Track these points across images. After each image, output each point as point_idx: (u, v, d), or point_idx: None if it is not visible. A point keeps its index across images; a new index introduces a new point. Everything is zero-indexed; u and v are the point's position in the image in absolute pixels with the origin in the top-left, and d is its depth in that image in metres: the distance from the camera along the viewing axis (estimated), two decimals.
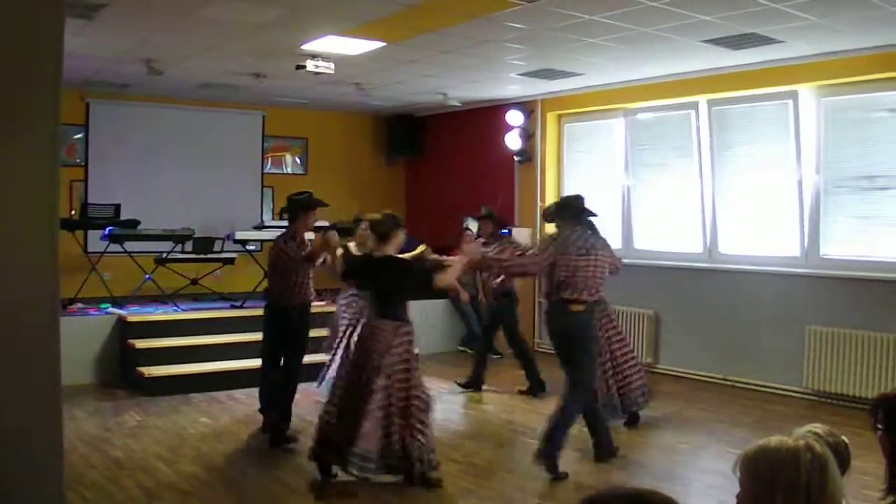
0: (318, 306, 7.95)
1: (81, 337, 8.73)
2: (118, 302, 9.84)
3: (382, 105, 12.37)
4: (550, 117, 11.32)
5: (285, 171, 13.03)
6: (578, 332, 6.11)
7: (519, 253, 7.97)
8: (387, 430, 5.46)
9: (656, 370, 9.61)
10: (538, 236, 10.87)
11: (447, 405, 8.12)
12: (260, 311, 7.13)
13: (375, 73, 9.63)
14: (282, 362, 6.90)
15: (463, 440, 6.93)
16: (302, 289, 6.83)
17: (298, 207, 6.88)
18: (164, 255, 10.28)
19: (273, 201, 12.51)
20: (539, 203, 11.30)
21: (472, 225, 11.72)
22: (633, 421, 7.28)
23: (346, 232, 8.54)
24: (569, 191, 11.22)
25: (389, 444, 5.45)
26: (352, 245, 7.66)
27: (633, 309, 9.77)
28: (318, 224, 7.67)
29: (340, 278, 6.99)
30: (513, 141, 11.34)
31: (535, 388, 8.51)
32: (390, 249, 5.81)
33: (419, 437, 5.55)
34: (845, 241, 8.31)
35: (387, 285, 5.75)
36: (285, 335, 6.87)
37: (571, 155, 11.32)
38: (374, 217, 5.96)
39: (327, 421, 5.63)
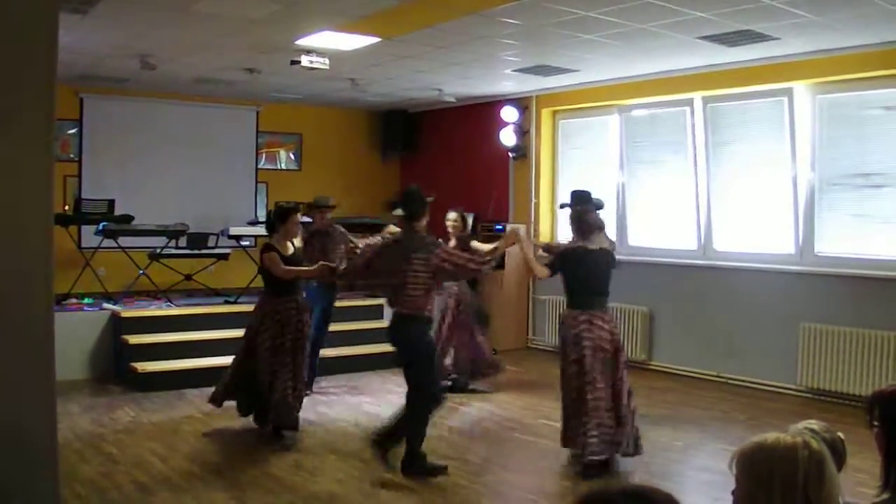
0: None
1: (75, 332, 8.72)
2: (112, 297, 9.82)
3: (377, 101, 12.35)
4: (545, 114, 11.32)
5: (279, 167, 13.01)
6: None
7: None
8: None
9: (650, 367, 9.63)
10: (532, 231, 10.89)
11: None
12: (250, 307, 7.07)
13: (370, 68, 9.61)
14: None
15: (456, 437, 6.94)
16: None
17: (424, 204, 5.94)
18: (158, 250, 10.26)
19: (267, 197, 12.48)
20: (533, 199, 11.32)
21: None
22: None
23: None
24: (563, 187, 11.23)
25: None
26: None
27: (627, 306, 9.76)
28: (303, 220, 7.52)
29: (551, 272, 6.17)
30: (507, 137, 11.34)
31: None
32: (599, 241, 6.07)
33: None
34: (840, 238, 8.32)
35: (607, 275, 6.01)
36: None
37: (566, 151, 11.32)
38: (586, 211, 6.11)
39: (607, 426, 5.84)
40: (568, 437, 5.94)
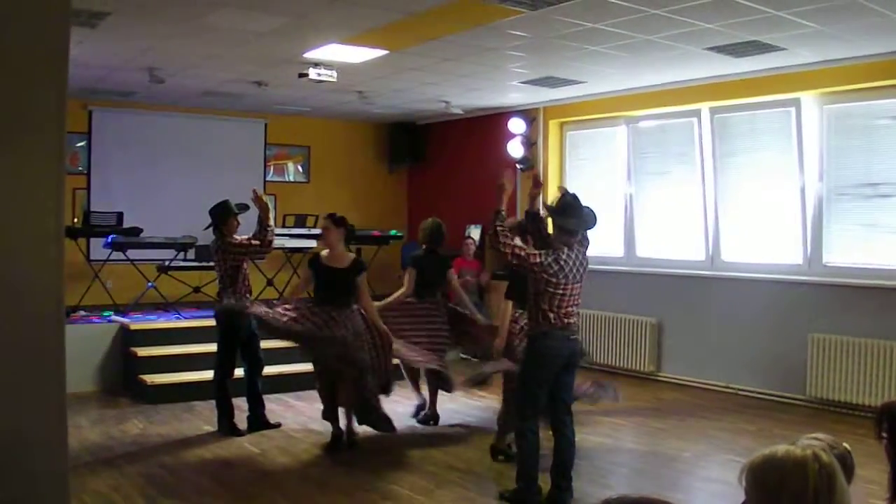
0: None
1: (84, 345, 8.73)
2: (121, 310, 9.84)
3: (385, 113, 12.39)
4: (553, 125, 11.33)
5: (288, 179, 13.05)
6: None
7: None
8: None
9: (659, 378, 9.60)
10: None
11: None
12: None
13: (378, 81, 9.64)
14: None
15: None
16: None
17: None
18: (167, 262, 10.29)
19: (275, 209, 12.49)
20: (542, 212, 11.29)
21: (475, 233, 11.76)
22: None
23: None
24: None
25: None
26: None
27: (635, 317, 9.76)
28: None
29: None
30: (515, 149, 11.34)
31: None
32: None
33: None
34: (848, 248, 8.30)
35: None
36: None
37: (574, 163, 11.33)
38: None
39: None
40: None
